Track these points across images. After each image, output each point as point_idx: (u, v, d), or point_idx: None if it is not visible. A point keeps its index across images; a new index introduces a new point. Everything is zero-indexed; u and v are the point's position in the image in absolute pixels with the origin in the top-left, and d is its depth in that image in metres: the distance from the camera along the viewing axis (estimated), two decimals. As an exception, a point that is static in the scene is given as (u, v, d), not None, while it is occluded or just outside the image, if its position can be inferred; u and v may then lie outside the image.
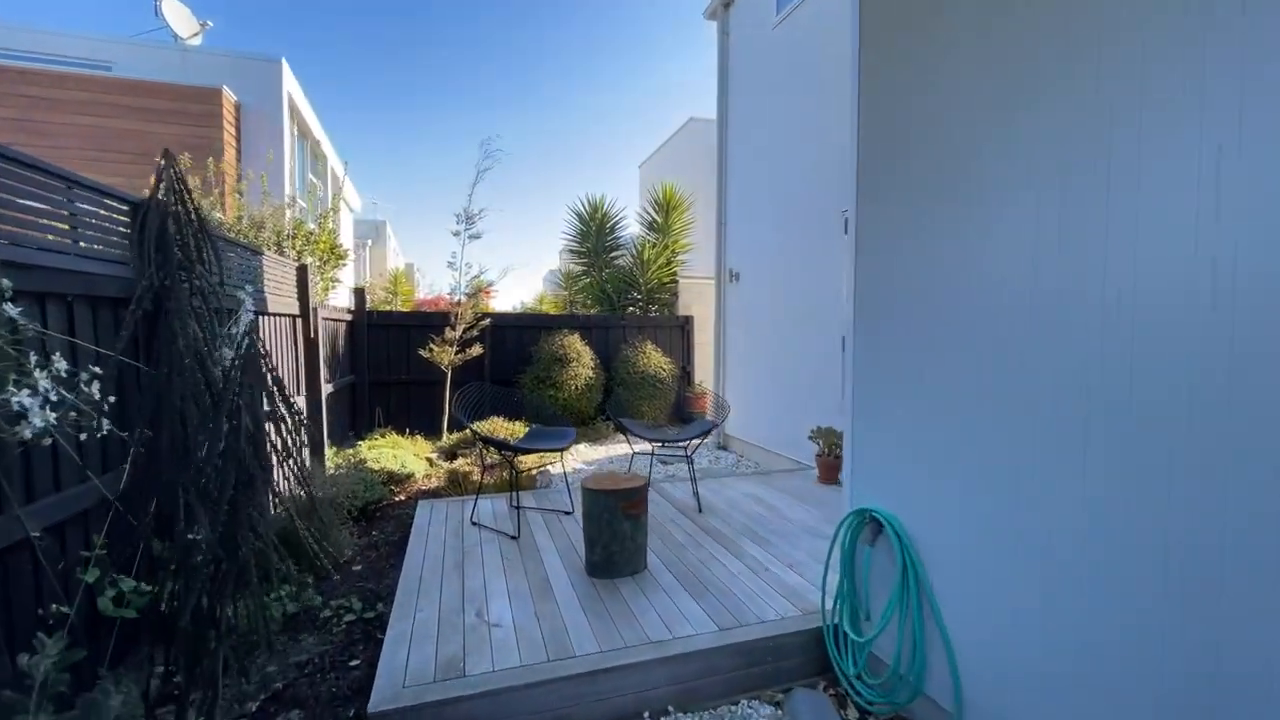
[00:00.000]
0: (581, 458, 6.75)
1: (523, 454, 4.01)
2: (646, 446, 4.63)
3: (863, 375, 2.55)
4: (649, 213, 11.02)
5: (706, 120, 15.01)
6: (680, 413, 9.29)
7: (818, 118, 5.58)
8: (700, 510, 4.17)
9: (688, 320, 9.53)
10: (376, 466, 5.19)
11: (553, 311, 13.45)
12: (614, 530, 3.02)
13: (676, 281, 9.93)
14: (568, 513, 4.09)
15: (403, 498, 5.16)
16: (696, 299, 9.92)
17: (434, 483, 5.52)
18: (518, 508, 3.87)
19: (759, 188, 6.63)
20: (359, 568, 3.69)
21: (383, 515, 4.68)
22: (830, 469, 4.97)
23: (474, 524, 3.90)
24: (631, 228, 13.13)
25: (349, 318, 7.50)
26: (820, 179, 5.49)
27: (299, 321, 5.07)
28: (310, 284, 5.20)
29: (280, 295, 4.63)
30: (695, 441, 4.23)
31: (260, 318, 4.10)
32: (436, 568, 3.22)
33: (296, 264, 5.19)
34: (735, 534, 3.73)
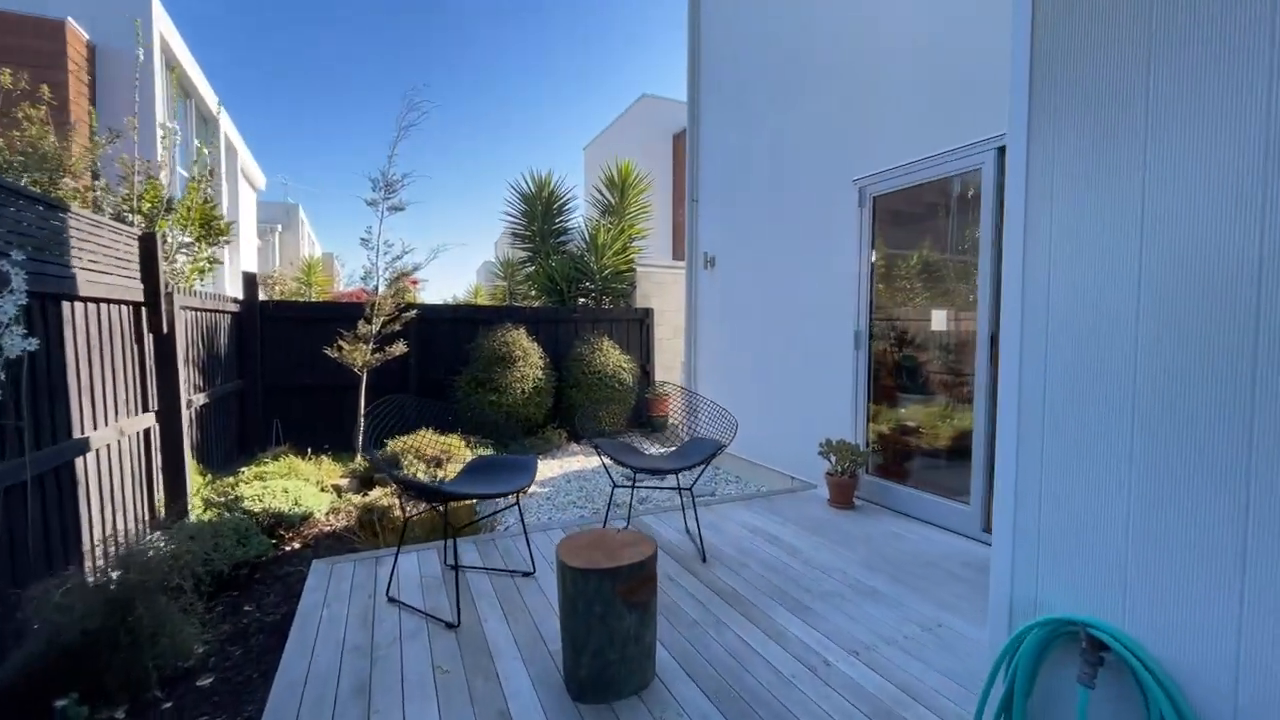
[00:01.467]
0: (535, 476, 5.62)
1: (461, 500, 2.86)
2: (626, 463, 3.57)
3: (1051, 387, 1.61)
4: (602, 193, 9.92)
5: (661, 99, 14.06)
6: (639, 417, 8.29)
7: (828, 56, 4.68)
8: (705, 559, 3.17)
9: (647, 314, 8.53)
10: (258, 507, 3.85)
11: (491, 304, 12.10)
12: (610, 628, 1.96)
13: (634, 270, 8.90)
14: (528, 574, 2.98)
15: (296, 545, 3.86)
16: (656, 290, 8.93)
17: (341, 521, 4.23)
18: (456, 568, 2.73)
19: (742, 156, 5.70)
20: (209, 680, 2.43)
21: (264, 578, 3.39)
22: (844, 491, 4.10)
23: (391, 600, 2.72)
24: (582, 212, 11.98)
25: (235, 308, 5.98)
26: (828, 139, 4.60)
27: (143, 311, 3.66)
28: (161, 260, 3.79)
29: (106, 273, 3.24)
30: (698, 469, 3.22)
31: (60, 304, 2.73)
32: (324, 696, 2.04)
33: (140, 232, 3.76)
34: (760, 596, 2.76)
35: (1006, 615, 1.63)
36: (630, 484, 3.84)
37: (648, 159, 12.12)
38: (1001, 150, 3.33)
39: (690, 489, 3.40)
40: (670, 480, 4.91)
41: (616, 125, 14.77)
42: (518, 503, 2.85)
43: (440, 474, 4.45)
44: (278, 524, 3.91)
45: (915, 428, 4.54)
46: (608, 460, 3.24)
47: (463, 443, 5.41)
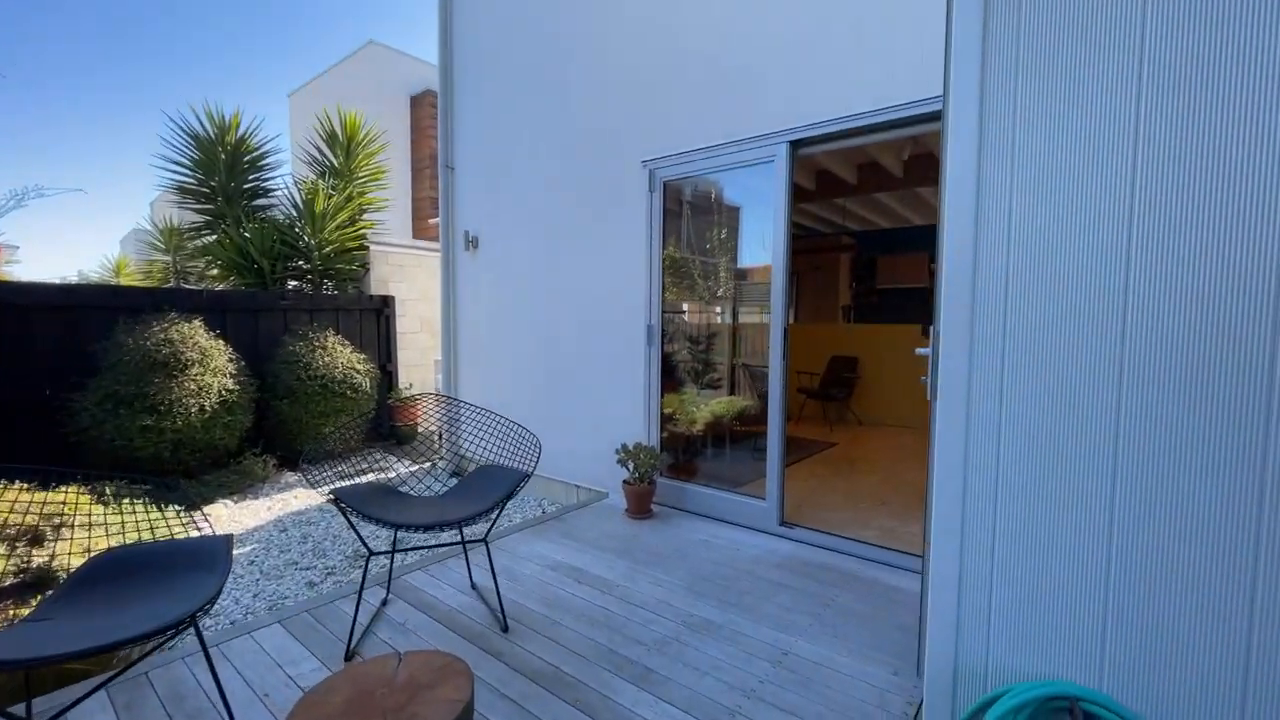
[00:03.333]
0: (228, 527, 3.91)
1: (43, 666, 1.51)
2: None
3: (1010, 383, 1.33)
4: (320, 152, 7.89)
5: (396, 52, 12.00)
6: (381, 428, 6.84)
7: (630, 11, 4.21)
8: (506, 628, 2.40)
9: (386, 302, 7.07)
10: None
11: (145, 285, 8.88)
12: None
13: (366, 248, 7.29)
14: (218, 728, 1.80)
15: None
16: (397, 274, 7.49)
17: None
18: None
19: (513, 122, 4.91)
20: None
21: None
22: (644, 499, 3.75)
23: None
24: (291, 171, 9.55)
25: None
26: (618, 110, 4.15)
27: None
28: None
29: None
30: (495, 514, 2.40)
31: None
32: None
33: None
34: (588, 668, 2.14)
35: (949, 683, 1.33)
36: (390, 551, 2.81)
37: (379, 121, 10.23)
38: (794, 144, 3.31)
39: (485, 539, 2.57)
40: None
41: (335, 73, 12.19)
42: (192, 625, 1.65)
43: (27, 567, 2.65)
44: None
45: (708, 424, 4.46)
46: (360, 516, 2.20)
47: (91, 498, 3.46)
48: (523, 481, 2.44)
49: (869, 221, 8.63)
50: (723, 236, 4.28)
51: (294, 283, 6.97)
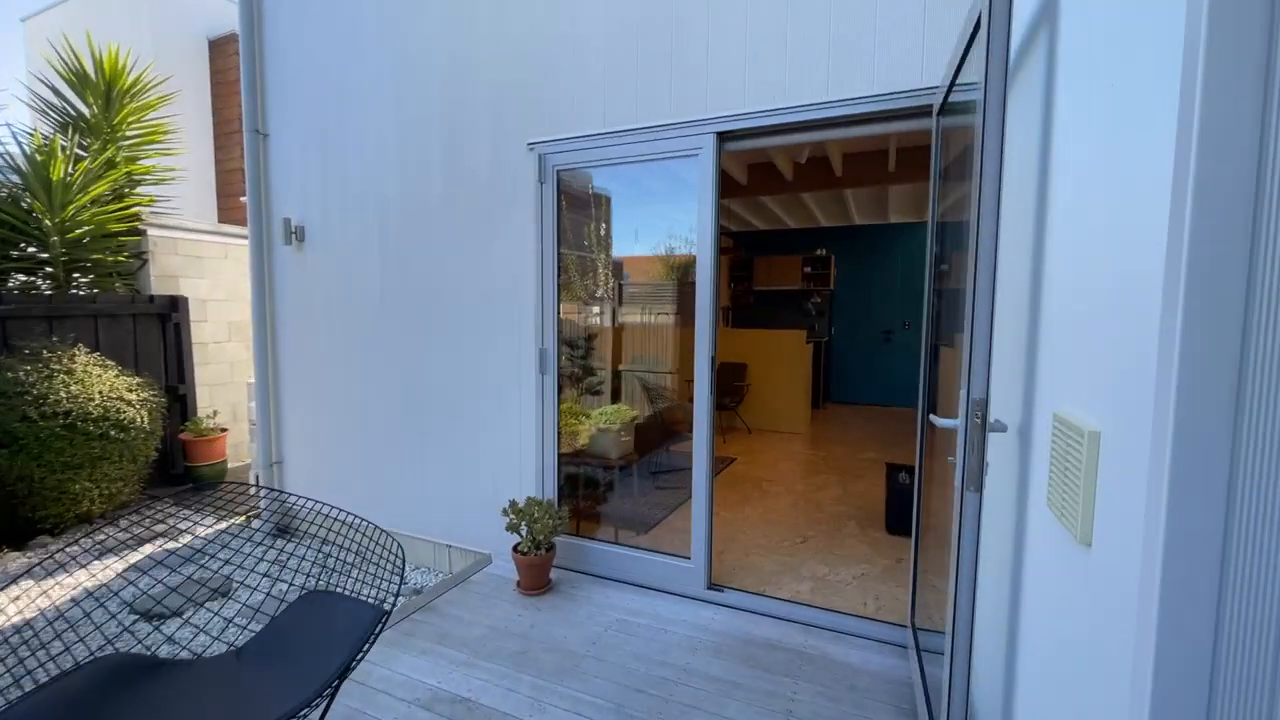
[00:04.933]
0: None
1: None
2: None
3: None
4: (63, 99, 5.79)
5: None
6: (170, 471, 5.24)
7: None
8: None
9: (176, 305, 5.40)
10: None
11: None
12: None
13: (142, 232, 5.49)
14: None
15: None
16: (192, 267, 5.78)
17: None
18: None
19: (360, 77, 3.77)
20: None
21: None
22: (541, 571, 3.00)
23: None
24: (25, 121, 7.22)
25: None
26: (498, 79, 3.27)
27: None
28: None
29: None
30: (334, 684, 1.50)
31: None
32: None
33: None
34: None
35: None
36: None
37: (164, 67, 7.97)
38: (721, 135, 2.75)
39: (328, 698, 1.66)
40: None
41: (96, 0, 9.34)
42: None
43: None
44: None
45: (616, 455, 3.82)
46: None
47: None
48: (378, 627, 1.59)
49: (746, 222, 8.54)
50: (606, 234, 3.66)
51: (23, 278, 5.01)
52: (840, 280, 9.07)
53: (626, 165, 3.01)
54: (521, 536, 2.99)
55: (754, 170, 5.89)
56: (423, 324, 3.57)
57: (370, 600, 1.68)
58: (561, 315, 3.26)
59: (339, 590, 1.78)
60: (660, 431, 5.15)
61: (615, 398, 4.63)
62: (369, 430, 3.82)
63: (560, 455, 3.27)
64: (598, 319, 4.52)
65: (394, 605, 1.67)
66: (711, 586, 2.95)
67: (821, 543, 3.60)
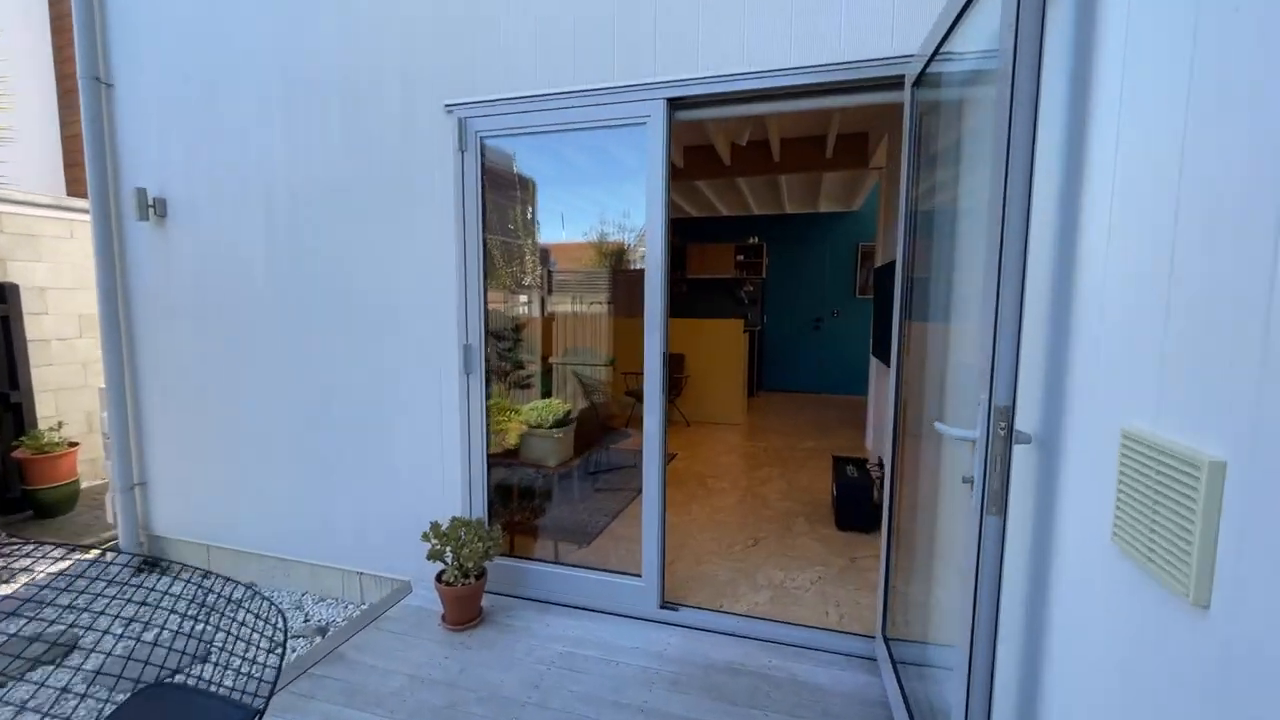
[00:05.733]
0: None
1: None
2: None
3: None
4: None
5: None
6: (8, 493, 4.32)
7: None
8: None
9: (3, 293, 4.42)
10: None
11: None
12: None
13: (-45, 205, 4.44)
14: None
15: None
16: (28, 248, 4.78)
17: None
18: None
19: (233, 17, 3.11)
20: None
21: None
22: (467, 604, 2.59)
23: None
24: None
25: None
26: (409, 27, 2.76)
27: None
28: None
29: None
30: None
31: None
32: None
33: None
34: None
35: None
36: None
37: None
38: (671, 101, 2.43)
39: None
40: None
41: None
42: None
43: None
44: None
45: (555, 461, 3.46)
46: None
47: None
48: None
49: (679, 208, 8.32)
50: (533, 218, 3.27)
51: None
52: (771, 268, 9.06)
53: (563, 134, 2.63)
54: (447, 564, 2.57)
55: (691, 153, 5.64)
56: (323, 318, 3.03)
57: (236, 695, 1.24)
58: (488, 305, 2.84)
59: (191, 683, 1.33)
60: (598, 428, 4.82)
61: (547, 393, 4.27)
62: (261, 443, 3.23)
63: (490, 459, 2.87)
64: (525, 309, 4.14)
65: (266, 705, 1.24)
66: (665, 605, 2.67)
67: (774, 544, 3.43)
